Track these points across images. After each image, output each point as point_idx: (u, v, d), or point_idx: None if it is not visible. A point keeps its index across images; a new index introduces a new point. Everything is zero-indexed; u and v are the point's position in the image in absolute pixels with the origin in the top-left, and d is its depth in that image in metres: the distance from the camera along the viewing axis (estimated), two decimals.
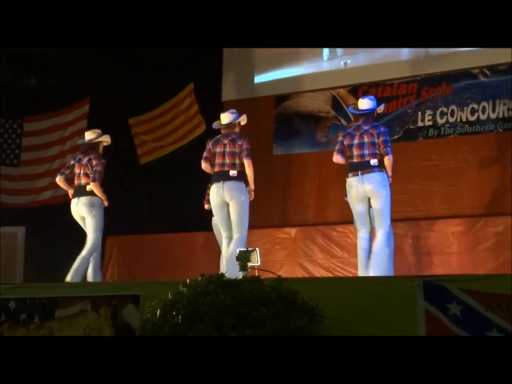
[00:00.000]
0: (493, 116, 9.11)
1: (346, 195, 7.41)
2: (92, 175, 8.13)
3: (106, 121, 10.62)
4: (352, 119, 9.81)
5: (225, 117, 7.80)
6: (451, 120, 9.37)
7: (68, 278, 7.98)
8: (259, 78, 10.77)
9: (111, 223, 8.78)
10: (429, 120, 9.52)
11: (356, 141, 7.20)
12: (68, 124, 12.13)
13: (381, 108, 7.54)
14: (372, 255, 7.13)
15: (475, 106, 9.24)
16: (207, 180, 8.35)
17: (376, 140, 7.14)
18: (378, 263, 6.99)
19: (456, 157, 9.29)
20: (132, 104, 11.56)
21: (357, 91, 10.06)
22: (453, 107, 9.37)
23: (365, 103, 7.39)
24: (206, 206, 8.93)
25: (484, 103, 9.20)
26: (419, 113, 9.59)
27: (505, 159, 9.02)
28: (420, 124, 9.57)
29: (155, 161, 11.46)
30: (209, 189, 8.79)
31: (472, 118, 9.23)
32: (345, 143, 7.29)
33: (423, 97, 9.60)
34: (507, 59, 8.82)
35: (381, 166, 7.14)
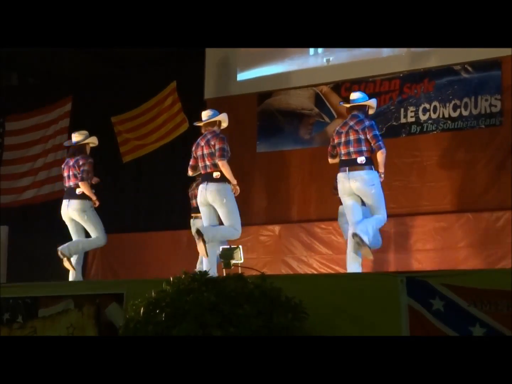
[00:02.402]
0: (475, 112, 9.12)
1: (335, 188, 7.34)
2: (80, 175, 8.07)
3: (88, 120, 10.59)
4: (336, 116, 9.93)
5: (204, 115, 7.66)
6: (434, 116, 9.38)
7: (59, 247, 7.98)
8: (241, 76, 10.74)
9: None
10: (411, 117, 9.53)
11: (342, 139, 7.07)
12: (50, 123, 12.07)
13: (373, 107, 7.36)
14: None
15: (457, 102, 9.25)
16: (190, 178, 8.35)
17: (361, 137, 6.97)
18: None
19: (439, 153, 9.31)
20: (114, 103, 11.51)
21: (339, 88, 10.07)
22: (436, 103, 9.38)
23: (355, 95, 7.26)
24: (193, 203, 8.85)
25: (466, 99, 9.21)
26: (402, 109, 9.59)
27: (487, 155, 9.05)
28: (403, 120, 9.58)
29: (138, 159, 11.43)
30: (192, 188, 8.80)
31: (455, 114, 9.25)
32: (334, 142, 7.22)
33: (406, 94, 9.61)
34: (489, 55, 8.84)
35: (370, 163, 6.99)
